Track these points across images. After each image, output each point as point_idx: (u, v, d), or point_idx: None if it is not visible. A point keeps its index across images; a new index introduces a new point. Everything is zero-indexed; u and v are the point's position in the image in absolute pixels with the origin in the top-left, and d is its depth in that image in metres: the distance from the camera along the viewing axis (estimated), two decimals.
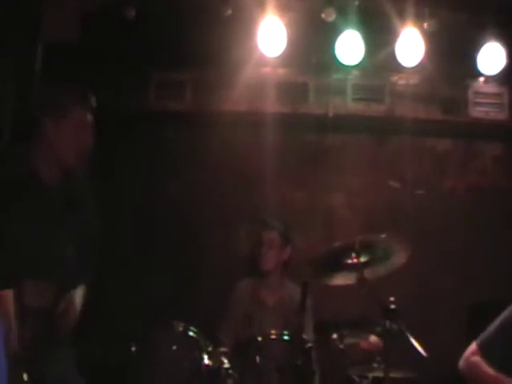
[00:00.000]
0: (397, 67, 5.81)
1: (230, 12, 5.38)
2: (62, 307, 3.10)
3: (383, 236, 4.29)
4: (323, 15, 5.45)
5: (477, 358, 3.60)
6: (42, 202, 3.11)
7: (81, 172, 3.38)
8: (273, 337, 3.94)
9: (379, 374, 4.19)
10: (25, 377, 2.70)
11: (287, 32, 5.55)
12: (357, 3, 5.49)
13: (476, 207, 5.94)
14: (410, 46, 5.59)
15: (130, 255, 5.60)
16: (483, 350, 3.58)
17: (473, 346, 3.66)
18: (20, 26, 4.62)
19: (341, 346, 4.40)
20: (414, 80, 5.97)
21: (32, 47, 4.74)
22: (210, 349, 3.75)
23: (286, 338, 3.92)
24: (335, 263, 4.39)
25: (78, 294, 3.23)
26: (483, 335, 3.65)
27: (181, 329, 3.75)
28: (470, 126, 5.99)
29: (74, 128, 3.25)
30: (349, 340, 4.44)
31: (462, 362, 3.68)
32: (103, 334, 5.01)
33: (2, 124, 4.13)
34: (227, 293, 5.10)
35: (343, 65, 5.76)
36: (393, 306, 4.04)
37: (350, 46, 5.66)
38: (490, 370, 3.54)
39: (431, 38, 5.57)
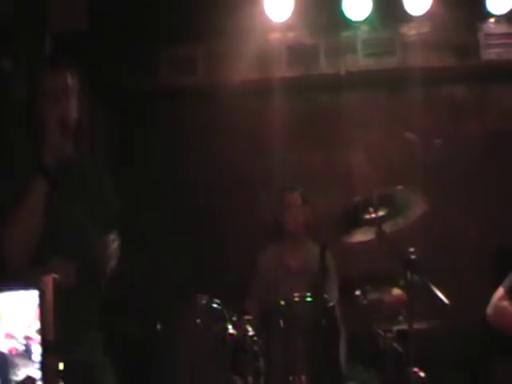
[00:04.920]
0: (405, 17, 5.78)
1: None
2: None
3: (400, 188, 4.32)
4: None
5: (505, 303, 3.65)
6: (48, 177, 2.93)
7: (85, 154, 3.32)
8: (295, 299, 4.00)
9: (404, 327, 4.24)
10: (60, 366, 2.60)
11: None
12: None
13: (495, 152, 5.85)
14: None
15: (152, 228, 5.73)
16: (511, 294, 3.62)
17: (500, 292, 3.69)
18: (28, 18, 4.72)
19: (364, 302, 4.48)
20: (423, 29, 5.88)
21: (41, 39, 4.83)
22: (234, 318, 3.84)
23: (308, 299, 3.98)
24: (354, 220, 4.44)
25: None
26: (509, 280, 3.69)
27: (204, 302, 3.83)
28: (484, 70, 5.90)
29: (45, 96, 2.99)
30: (372, 295, 4.50)
31: (489, 309, 3.72)
32: (127, 311, 5.14)
33: (14, 115, 4.18)
34: (251, 259, 5.19)
35: (352, 21, 5.76)
36: (413, 257, 4.09)
37: (356, 1, 5.66)
38: None
39: None
